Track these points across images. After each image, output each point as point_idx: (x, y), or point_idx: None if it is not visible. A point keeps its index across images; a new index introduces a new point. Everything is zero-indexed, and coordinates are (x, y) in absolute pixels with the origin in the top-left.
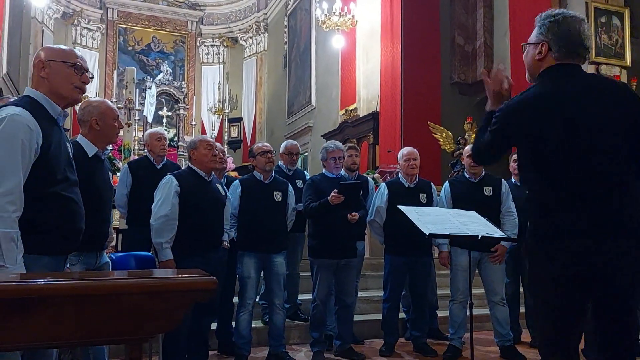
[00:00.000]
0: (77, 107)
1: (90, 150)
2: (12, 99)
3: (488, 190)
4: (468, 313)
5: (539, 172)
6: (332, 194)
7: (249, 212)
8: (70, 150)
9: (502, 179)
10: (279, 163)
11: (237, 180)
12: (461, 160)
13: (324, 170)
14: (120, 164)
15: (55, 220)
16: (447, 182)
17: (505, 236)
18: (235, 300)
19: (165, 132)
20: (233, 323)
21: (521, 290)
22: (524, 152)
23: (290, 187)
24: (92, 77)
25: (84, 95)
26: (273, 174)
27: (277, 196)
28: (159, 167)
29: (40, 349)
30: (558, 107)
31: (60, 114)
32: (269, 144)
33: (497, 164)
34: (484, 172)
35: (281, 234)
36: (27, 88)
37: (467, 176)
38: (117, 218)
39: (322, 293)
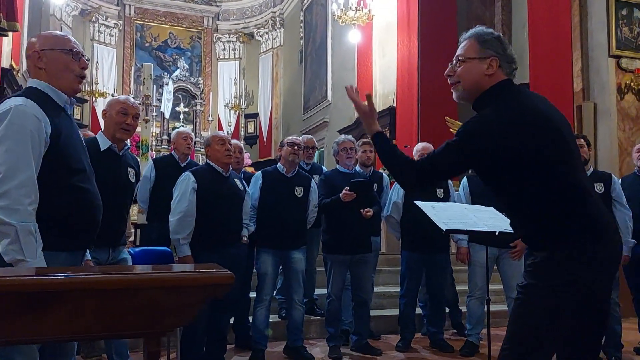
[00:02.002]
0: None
1: (104, 144)
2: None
3: None
4: (486, 309)
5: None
6: (343, 191)
7: (268, 205)
8: (83, 140)
9: None
10: None
11: (259, 172)
12: None
13: (337, 166)
14: (138, 160)
15: (74, 216)
16: (464, 177)
17: None
18: (253, 294)
19: (192, 133)
20: (250, 317)
21: None
22: (516, 168)
23: (313, 183)
24: (88, 60)
25: (97, 88)
26: (297, 169)
27: (298, 191)
28: (182, 165)
29: (61, 342)
30: (549, 120)
31: (67, 102)
32: (300, 139)
33: None
34: None
35: (300, 230)
36: (30, 79)
37: None
38: (135, 213)
39: (336, 288)
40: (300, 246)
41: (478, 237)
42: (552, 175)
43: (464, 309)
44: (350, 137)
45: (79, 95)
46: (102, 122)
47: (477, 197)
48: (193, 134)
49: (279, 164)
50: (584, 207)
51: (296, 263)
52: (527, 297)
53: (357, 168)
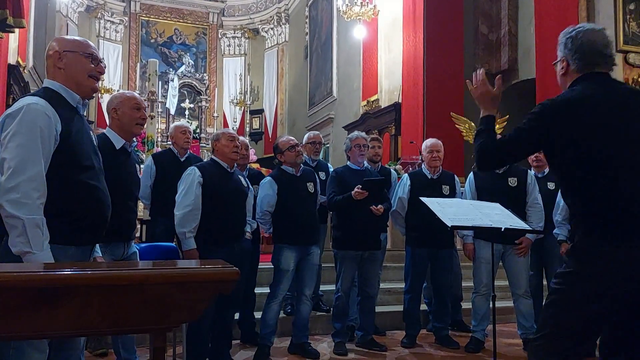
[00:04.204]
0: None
1: (118, 142)
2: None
3: (513, 181)
4: (491, 305)
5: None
6: (355, 189)
7: (287, 206)
8: (94, 140)
9: (528, 170)
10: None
11: (269, 177)
12: None
13: (348, 163)
14: (144, 156)
15: (82, 210)
16: (471, 173)
17: (529, 228)
18: (257, 290)
19: (190, 126)
20: (255, 313)
21: (544, 282)
22: (574, 155)
23: (316, 176)
24: (105, 67)
25: (103, 84)
26: (302, 166)
27: (310, 187)
28: (182, 159)
29: (68, 338)
30: (594, 113)
31: (80, 102)
32: (293, 138)
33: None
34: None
35: (316, 225)
36: (45, 80)
37: None
38: (140, 209)
39: (346, 285)
40: (317, 241)
41: (484, 233)
42: (588, 163)
43: (465, 305)
44: (363, 133)
45: None
46: (107, 118)
47: (483, 192)
48: (192, 127)
49: (284, 166)
50: (616, 200)
51: (313, 258)
52: (559, 284)
53: (366, 164)
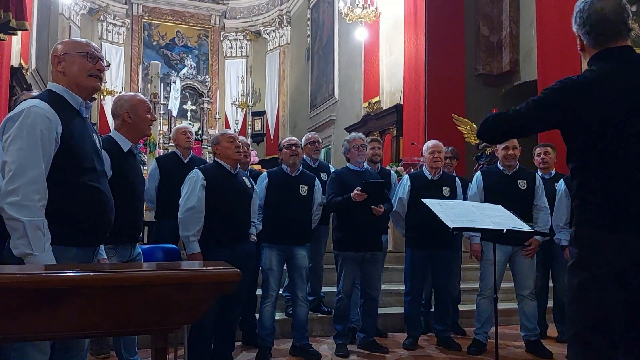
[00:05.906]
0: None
1: (125, 145)
2: (35, 94)
3: (522, 184)
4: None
5: (601, 157)
6: (355, 191)
7: (273, 204)
8: (98, 142)
9: (536, 173)
10: (303, 156)
11: (264, 172)
12: (495, 152)
13: (347, 164)
14: (145, 157)
15: (83, 212)
16: (479, 172)
17: (531, 229)
18: (259, 292)
19: (190, 126)
20: (256, 315)
21: (550, 284)
22: (583, 136)
23: (317, 182)
24: (108, 65)
25: (106, 86)
26: (300, 168)
27: (303, 190)
28: (186, 161)
29: (71, 339)
30: (615, 91)
31: (82, 105)
32: (295, 138)
33: (522, 157)
34: (518, 165)
35: (304, 227)
36: (49, 82)
37: (502, 168)
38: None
39: (347, 286)
40: (304, 243)
41: (489, 234)
42: (585, 151)
43: (461, 307)
44: (360, 134)
45: None
46: (110, 120)
47: (491, 193)
48: (194, 129)
49: (283, 165)
50: (621, 190)
51: (299, 259)
52: (570, 279)
53: (366, 165)
